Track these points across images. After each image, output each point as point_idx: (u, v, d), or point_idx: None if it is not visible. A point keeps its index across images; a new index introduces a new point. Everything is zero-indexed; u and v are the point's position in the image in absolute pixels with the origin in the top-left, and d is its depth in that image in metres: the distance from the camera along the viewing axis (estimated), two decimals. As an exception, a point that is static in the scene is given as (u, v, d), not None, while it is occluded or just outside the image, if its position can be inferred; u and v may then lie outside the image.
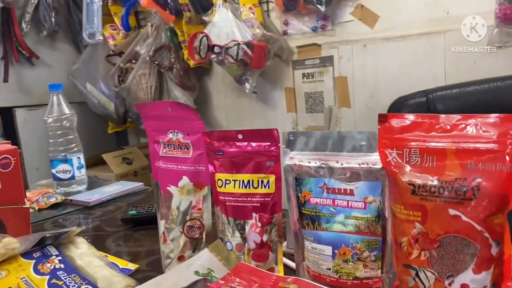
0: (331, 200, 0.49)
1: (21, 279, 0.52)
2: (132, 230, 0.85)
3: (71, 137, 1.13)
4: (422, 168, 0.41)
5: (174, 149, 0.59)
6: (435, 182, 0.40)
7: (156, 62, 1.80)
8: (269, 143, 0.52)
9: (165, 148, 0.60)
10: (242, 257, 0.54)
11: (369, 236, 0.47)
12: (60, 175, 1.12)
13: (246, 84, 1.68)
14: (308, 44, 1.67)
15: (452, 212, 0.39)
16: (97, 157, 1.94)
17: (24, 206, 0.68)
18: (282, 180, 0.52)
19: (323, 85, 1.66)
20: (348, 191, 0.48)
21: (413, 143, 0.42)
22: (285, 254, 0.62)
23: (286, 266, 0.60)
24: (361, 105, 1.60)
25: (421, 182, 0.41)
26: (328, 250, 0.49)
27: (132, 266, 0.66)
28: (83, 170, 1.15)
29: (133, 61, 1.87)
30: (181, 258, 0.58)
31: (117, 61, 1.93)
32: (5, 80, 1.96)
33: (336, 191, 0.48)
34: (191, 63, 1.85)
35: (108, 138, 2.31)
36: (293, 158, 0.51)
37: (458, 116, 0.40)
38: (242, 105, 1.90)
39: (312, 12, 1.62)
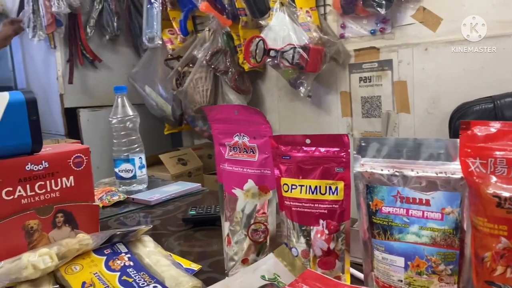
0: (404, 210, 0.47)
1: (94, 274, 0.54)
2: (193, 230, 0.87)
3: (133, 137, 1.17)
4: (509, 179, 0.39)
5: (240, 152, 0.59)
6: (525, 195, 0.37)
7: (212, 66, 1.83)
8: (338, 149, 0.51)
9: (230, 151, 0.60)
10: (308, 263, 0.53)
11: (446, 248, 0.45)
12: (123, 174, 1.16)
13: (301, 87, 1.68)
14: (366, 48, 1.64)
15: (544, 228, 0.36)
16: (154, 157, 2.00)
17: (94, 203, 0.71)
18: (352, 187, 0.51)
19: (381, 90, 1.62)
20: (424, 201, 0.46)
21: (499, 153, 0.39)
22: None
23: (351, 276, 0.58)
24: (421, 110, 1.55)
25: (508, 194, 0.38)
26: (400, 261, 0.47)
27: (195, 267, 0.66)
28: (144, 170, 1.19)
29: (190, 65, 1.92)
30: (245, 261, 0.58)
31: (175, 65, 1.98)
32: (70, 82, 2.07)
33: (411, 201, 0.46)
34: (246, 66, 1.87)
35: (164, 139, 2.38)
36: (365, 165, 0.49)
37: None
38: (295, 108, 1.89)
39: (371, 15, 1.59)
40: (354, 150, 0.50)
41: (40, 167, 0.64)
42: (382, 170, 0.48)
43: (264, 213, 0.58)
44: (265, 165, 0.57)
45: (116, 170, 1.17)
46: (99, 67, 2.20)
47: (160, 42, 2.09)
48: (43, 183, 0.65)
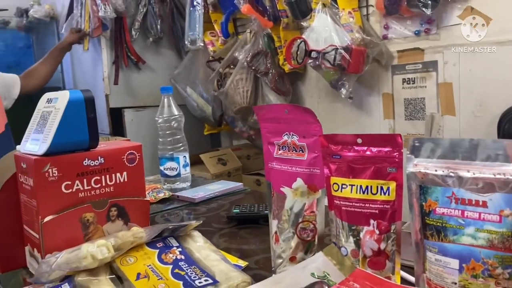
0: (460, 211, 0.46)
1: (147, 266, 0.57)
2: (237, 228, 0.88)
3: (178, 137, 1.20)
4: None
5: (289, 151, 0.60)
6: None
7: (253, 68, 1.85)
8: (390, 149, 0.51)
9: (279, 150, 0.61)
10: (357, 263, 0.53)
11: (504, 252, 0.44)
12: (167, 172, 1.19)
13: (342, 89, 1.67)
14: (410, 49, 1.61)
15: None
16: (194, 157, 2.03)
17: (145, 198, 0.73)
18: (404, 188, 0.51)
19: (425, 91, 1.59)
20: (481, 203, 0.45)
21: None
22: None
23: (401, 278, 0.58)
24: (467, 113, 1.50)
25: None
26: (454, 263, 0.46)
27: (242, 263, 0.68)
28: (188, 168, 1.22)
29: (231, 67, 1.95)
30: (293, 259, 0.59)
31: (216, 67, 2.02)
32: (115, 82, 2.14)
33: (466, 202, 0.46)
34: (286, 68, 1.88)
35: (203, 139, 2.42)
36: (418, 165, 0.49)
37: None
38: (335, 110, 1.88)
39: (416, 16, 1.56)
40: (407, 150, 0.50)
41: (97, 162, 0.67)
42: (436, 170, 0.48)
43: (312, 211, 0.59)
44: (314, 164, 0.58)
45: (161, 168, 1.20)
46: (143, 69, 2.27)
47: (202, 44, 2.13)
48: (98, 178, 0.68)
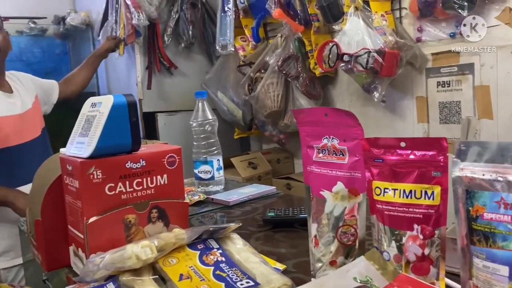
0: (509, 217, 0.45)
1: (190, 267, 0.58)
2: (272, 231, 0.88)
3: (212, 140, 1.22)
4: None
5: (329, 154, 0.60)
6: None
7: (284, 72, 1.85)
8: (435, 152, 0.50)
9: (319, 153, 0.61)
10: (400, 268, 0.53)
11: (557, 259, 0.43)
12: (202, 175, 1.20)
13: (375, 92, 1.65)
14: (445, 51, 1.57)
15: None
16: (225, 160, 2.04)
17: (184, 201, 0.75)
18: (449, 192, 0.50)
19: (461, 95, 1.55)
20: (532, 208, 0.44)
21: None
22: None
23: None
24: (505, 117, 1.46)
25: None
26: (504, 270, 0.45)
27: (280, 266, 0.68)
28: (221, 172, 1.23)
29: (262, 71, 1.95)
30: (333, 263, 0.59)
31: (247, 71, 2.03)
32: (149, 87, 2.19)
33: (517, 207, 0.45)
34: (317, 71, 1.87)
35: (233, 143, 2.43)
36: (464, 169, 0.48)
37: None
38: (367, 114, 1.86)
39: (451, 18, 1.53)
40: (453, 153, 0.49)
41: (138, 165, 0.69)
42: (483, 175, 0.47)
43: (353, 216, 0.58)
44: (355, 168, 0.57)
45: (196, 171, 1.21)
46: (175, 74, 2.30)
47: (233, 49, 2.15)
48: (140, 180, 0.69)
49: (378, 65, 1.55)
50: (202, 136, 1.22)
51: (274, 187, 1.21)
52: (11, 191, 1.32)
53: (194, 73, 2.34)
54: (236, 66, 2.15)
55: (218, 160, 1.22)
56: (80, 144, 0.67)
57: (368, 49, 1.56)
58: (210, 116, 1.22)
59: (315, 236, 0.61)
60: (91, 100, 0.71)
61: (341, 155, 0.59)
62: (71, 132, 0.72)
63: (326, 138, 0.60)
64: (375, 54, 1.54)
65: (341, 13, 1.70)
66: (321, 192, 0.60)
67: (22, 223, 1.03)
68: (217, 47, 2.19)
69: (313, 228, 0.62)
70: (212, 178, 1.21)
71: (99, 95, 2.50)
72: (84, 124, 0.69)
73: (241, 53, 2.19)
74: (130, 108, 0.68)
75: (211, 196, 1.13)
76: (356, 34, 1.60)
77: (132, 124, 0.68)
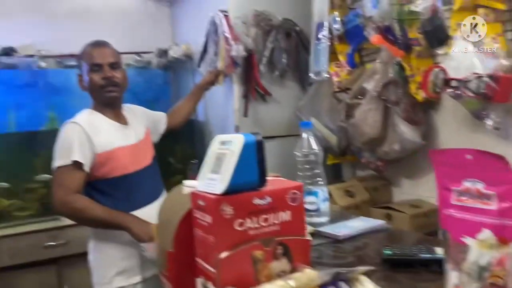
0: None
1: (324, 310, 0.57)
2: (390, 271, 0.85)
3: (317, 171, 1.22)
4: None
5: (471, 198, 0.57)
6: None
7: (383, 98, 1.81)
8: None
9: (459, 197, 0.58)
10: None
11: None
12: (307, 206, 1.20)
13: (487, 119, 1.54)
14: None
15: None
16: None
17: (306, 238, 0.75)
18: None
19: None
20: None
21: None
22: None
23: None
24: None
25: None
26: None
27: (412, 313, 0.65)
28: (327, 203, 1.22)
29: (359, 97, 1.93)
30: (480, 317, 0.55)
31: (343, 97, 2.01)
32: (245, 115, 2.25)
33: None
34: (419, 97, 1.80)
35: (325, 169, 2.41)
36: None
37: None
38: (477, 142, 1.72)
39: None
40: None
41: (265, 201, 0.71)
42: None
43: (503, 266, 0.54)
44: (505, 215, 0.54)
45: (302, 202, 1.21)
46: (269, 101, 2.35)
47: (327, 76, 2.15)
48: (266, 216, 0.71)
49: (490, 91, 1.46)
50: (306, 166, 1.22)
51: (383, 221, 1.17)
52: (128, 216, 1.42)
53: (287, 100, 2.37)
54: (330, 92, 2.14)
55: (323, 190, 1.21)
56: (211, 181, 0.70)
57: (479, 73, 1.47)
58: (314, 147, 1.22)
59: (457, 286, 0.58)
60: (219, 138, 0.75)
61: (486, 200, 0.55)
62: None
63: (469, 181, 0.57)
64: (488, 79, 1.45)
65: (446, 36, 1.63)
66: (462, 239, 0.57)
67: (143, 249, 1.10)
68: (311, 74, 2.20)
69: (453, 276, 0.58)
70: (318, 209, 1.20)
71: (197, 122, 2.63)
72: (215, 161, 0.72)
73: (335, 79, 2.19)
74: (259, 146, 0.70)
75: (320, 229, 1.12)
76: (464, 58, 1.52)
77: (260, 162, 0.70)
